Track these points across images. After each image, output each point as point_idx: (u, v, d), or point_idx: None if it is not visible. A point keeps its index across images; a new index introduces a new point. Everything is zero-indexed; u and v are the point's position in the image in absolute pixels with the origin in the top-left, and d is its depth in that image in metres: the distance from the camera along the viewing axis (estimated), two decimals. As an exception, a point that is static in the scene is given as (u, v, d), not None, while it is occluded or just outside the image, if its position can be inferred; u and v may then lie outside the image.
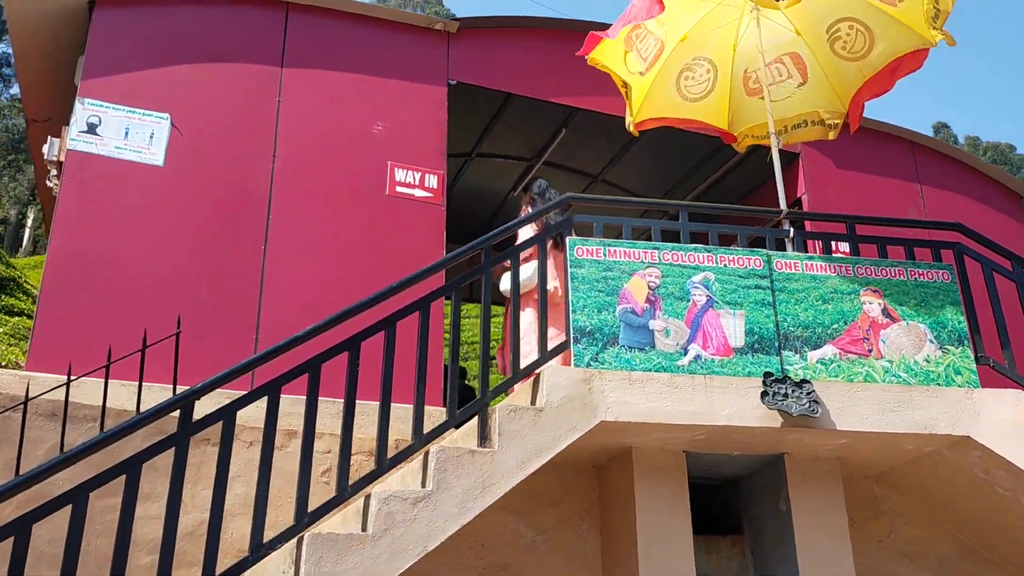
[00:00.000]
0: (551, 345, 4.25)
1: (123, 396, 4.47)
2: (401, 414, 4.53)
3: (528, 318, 5.69)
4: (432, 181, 5.93)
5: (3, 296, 16.87)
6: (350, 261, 5.55)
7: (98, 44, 5.35)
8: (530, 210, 6.02)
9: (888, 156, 7.56)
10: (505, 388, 4.10)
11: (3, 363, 7.35)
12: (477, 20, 6.28)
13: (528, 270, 5.61)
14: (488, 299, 4.42)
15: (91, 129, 5.13)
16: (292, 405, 4.39)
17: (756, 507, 4.89)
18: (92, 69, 5.29)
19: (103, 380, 4.28)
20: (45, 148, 5.41)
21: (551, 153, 8.08)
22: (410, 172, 5.87)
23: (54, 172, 5.58)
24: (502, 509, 3.88)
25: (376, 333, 3.77)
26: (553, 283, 5.31)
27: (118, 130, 5.18)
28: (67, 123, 5.77)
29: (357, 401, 3.67)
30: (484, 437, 3.85)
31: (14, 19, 5.40)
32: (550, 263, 5.41)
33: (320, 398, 3.70)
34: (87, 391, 4.59)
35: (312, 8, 5.95)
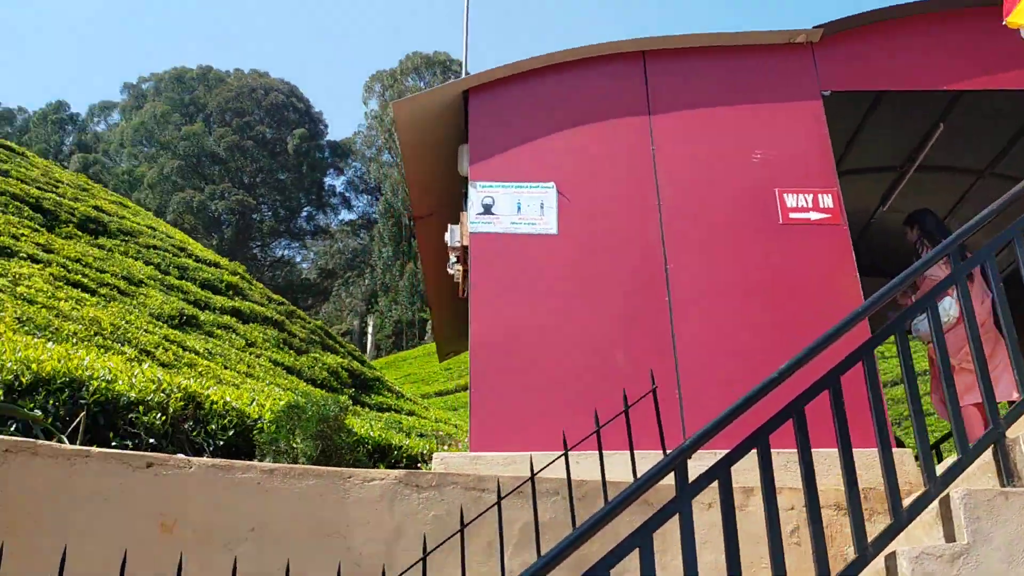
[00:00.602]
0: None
1: (574, 468, 4.35)
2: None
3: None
4: (827, 200, 5.42)
5: (372, 395, 18.64)
6: (754, 298, 5.17)
7: (479, 128, 5.55)
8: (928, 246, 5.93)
9: None
10: (1021, 413, 3.42)
11: (407, 453, 7.83)
12: (842, 22, 5.75)
13: (948, 304, 5.40)
14: (901, 330, 3.62)
15: (487, 210, 5.29)
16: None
17: None
18: (477, 152, 5.48)
19: (531, 452, 4.18)
20: (447, 236, 5.66)
21: (924, 155, 7.20)
22: (800, 196, 5.41)
23: (453, 259, 5.82)
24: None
25: (854, 365, 3.31)
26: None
27: (510, 206, 5.29)
28: (458, 210, 6.04)
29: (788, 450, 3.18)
30: (1010, 475, 3.21)
31: (401, 121, 5.78)
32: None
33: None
34: (522, 465, 4.56)
35: (667, 51, 5.78)
